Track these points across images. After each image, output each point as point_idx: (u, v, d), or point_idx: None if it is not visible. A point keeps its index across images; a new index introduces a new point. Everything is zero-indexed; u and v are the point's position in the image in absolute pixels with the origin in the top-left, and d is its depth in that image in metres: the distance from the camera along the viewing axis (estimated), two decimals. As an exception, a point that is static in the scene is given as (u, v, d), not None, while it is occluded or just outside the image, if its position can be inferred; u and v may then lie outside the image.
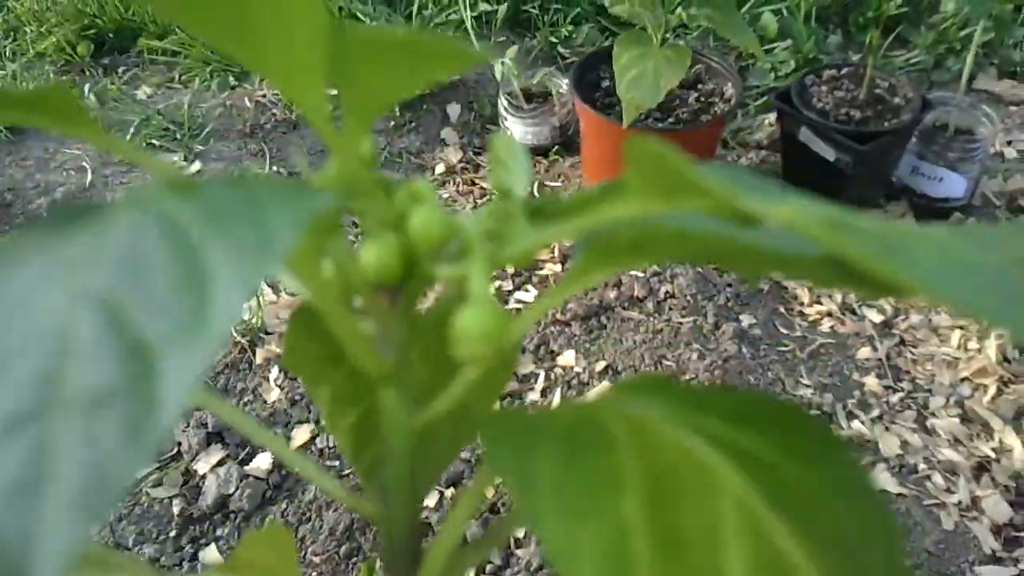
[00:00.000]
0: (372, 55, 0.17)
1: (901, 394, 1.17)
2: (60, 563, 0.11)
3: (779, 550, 0.17)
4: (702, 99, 1.45)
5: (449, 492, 1.08)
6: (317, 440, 1.14)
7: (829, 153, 1.36)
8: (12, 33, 1.92)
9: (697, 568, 0.16)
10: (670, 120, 1.41)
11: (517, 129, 1.56)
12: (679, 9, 1.29)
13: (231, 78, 1.79)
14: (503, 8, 1.88)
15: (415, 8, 1.85)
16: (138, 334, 0.13)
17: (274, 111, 1.72)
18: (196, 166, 1.62)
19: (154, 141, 1.66)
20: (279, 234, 0.14)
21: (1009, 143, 1.58)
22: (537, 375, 1.22)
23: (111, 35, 1.90)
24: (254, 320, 1.28)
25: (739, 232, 0.18)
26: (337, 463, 1.11)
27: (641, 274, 1.34)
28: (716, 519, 0.17)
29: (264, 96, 1.74)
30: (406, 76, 0.18)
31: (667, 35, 1.33)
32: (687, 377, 1.19)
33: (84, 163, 1.63)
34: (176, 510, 1.06)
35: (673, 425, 0.20)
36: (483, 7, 1.87)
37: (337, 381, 0.30)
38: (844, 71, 1.46)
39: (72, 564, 0.11)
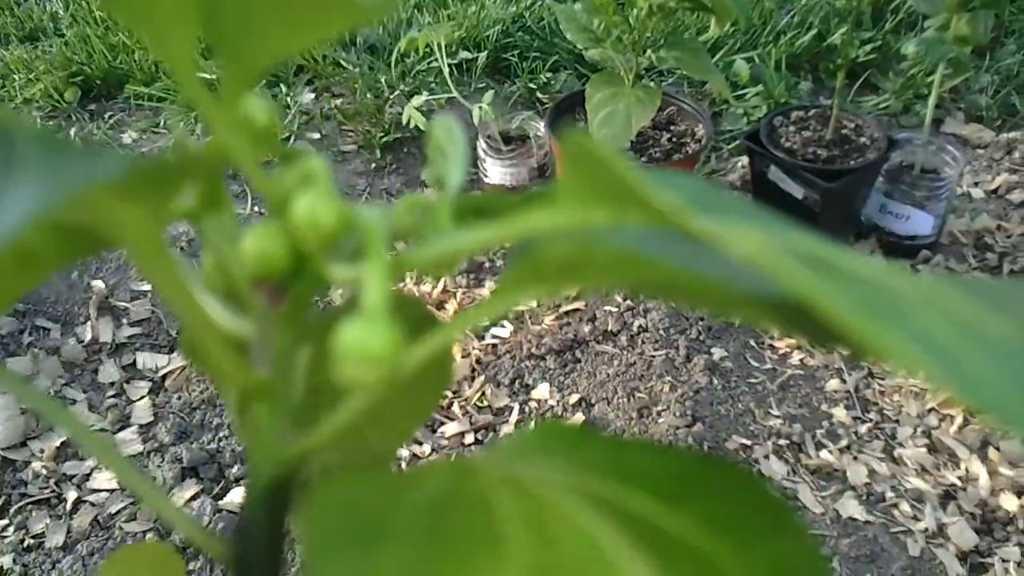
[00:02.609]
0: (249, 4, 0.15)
1: (869, 424, 1.19)
2: None
3: None
4: (674, 139, 1.49)
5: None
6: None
7: (797, 191, 1.39)
8: (0, 80, 1.96)
9: None
10: (643, 159, 1.45)
11: (496, 170, 1.59)
12: (649, 52, 1.33)
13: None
14: (483, 56, 1.93)
15: (396, 56, 1.89)
16: None
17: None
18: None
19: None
20: (11, 206, 0.11)
21: (976, 184, 1.62)
22: (511, 408, 1.23)
23: (99, 81, 1.94)
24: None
25: (690, 263, 0.15)
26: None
27: (615, 309, 1.36)
28: None
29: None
30: (288, 27, 0.15)
31: (640, 78, 1.38)
32: (659, 408, 1.20)
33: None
34: (147, 542, 1.06)
35: (577, 499, 0.16)
36: (463, 55, 1.92)
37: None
38: (812, 112, 1.50)
39: None
